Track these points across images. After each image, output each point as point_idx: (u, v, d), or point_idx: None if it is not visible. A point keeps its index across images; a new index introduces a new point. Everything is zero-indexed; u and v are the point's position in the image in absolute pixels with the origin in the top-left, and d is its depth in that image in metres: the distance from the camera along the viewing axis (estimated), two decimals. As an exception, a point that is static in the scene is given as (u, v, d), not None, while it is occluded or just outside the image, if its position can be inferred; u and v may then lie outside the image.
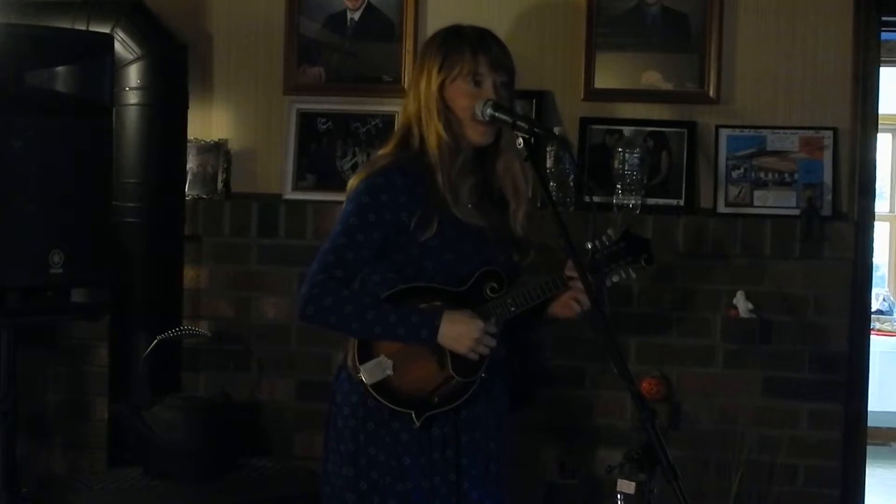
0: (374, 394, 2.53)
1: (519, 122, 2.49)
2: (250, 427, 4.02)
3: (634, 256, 2.65)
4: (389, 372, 2.54)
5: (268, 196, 4.11)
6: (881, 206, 7.20)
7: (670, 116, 4.00)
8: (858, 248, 3.90)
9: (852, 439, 3.92)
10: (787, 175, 3.93)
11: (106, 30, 3.79)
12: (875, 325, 6.79)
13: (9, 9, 3.84)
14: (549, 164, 3.91)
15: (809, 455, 3.90)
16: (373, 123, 4.08)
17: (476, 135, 2.58)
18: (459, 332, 2.50)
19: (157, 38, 3.95)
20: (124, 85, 3.86)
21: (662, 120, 4.00)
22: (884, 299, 7.73)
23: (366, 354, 2.55)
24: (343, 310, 2.52)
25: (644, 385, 3.80)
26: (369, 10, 4.10)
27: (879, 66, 3.95)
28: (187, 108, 4.04)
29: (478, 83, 2.57)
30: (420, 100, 2.59)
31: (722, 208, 3.95)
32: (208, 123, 4.16)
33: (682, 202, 3.95)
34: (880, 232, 6.91)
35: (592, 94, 4.01)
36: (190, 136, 4.07)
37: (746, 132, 3.96)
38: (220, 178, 4.12)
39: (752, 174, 3.95)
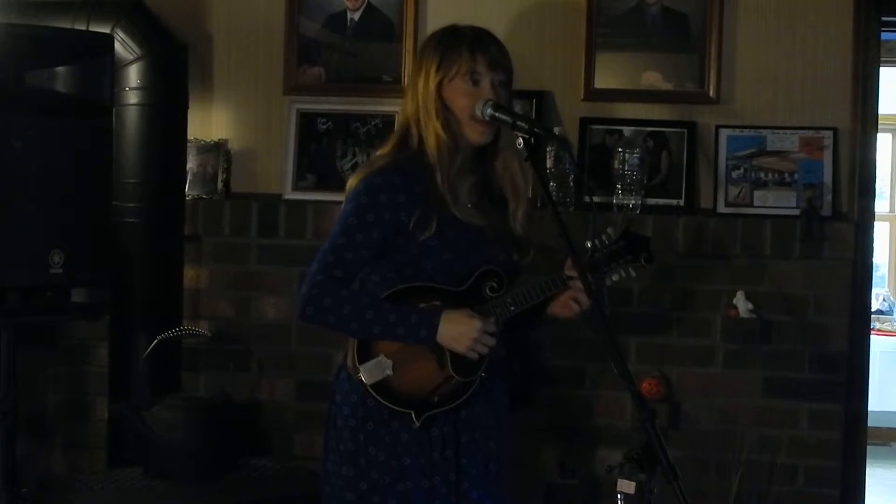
0: (374, 394, 2.53)
1: (519, 122, 2.49)
2: (250, 427, 4.02)
3: (634, 255, 2.65)
4: (389, 372, 2.54)
5: (268, 196, 4.11)
6: (881, 206, 7.20)
7: (670, 116, 4.00)
8: (858, 248, 3.90)
9: (852, 439, 3.92)
10: (787, 175, 3.93)
11: (106, 30, 3.79)
12: (875, 325, 6.78)
13: (9, 9, 3.84)
14: (549, 164, 3.91)
15: (809, 455, 3.90)
16: (373, 123, 4.08)
17: (475, 134, 2.58)
18: (458, 332, 2.50)
19: (157, 38, 3.95)
20: (124, 85, 3.86)
21: (662, 120, 4.00)
22: (884, 299, 7.73)
23: (365, 354, 2.55)
24: (342, 310, 2.52)
25: (644, 385, 3.80)
26: (369, 10, 4.10)
27: (879, 66, 3.95)
28: (187, 108, 4.04)
29: (476, 82, 2.57)
30: (418, 100, 2.59)
31: (722, 208, 3.95)
32: (208, 123, 4.16)
33: (682, 202, 3.95)
34: (880, 232, 6.92)
35: (592, 94, 4.01)
36: (190, 136, 4.07)
37: (746, 132, 3.96)
38: (220, 178, 4.12)
39: (752, 174, 3.95)
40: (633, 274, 2.67)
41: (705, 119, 3.98)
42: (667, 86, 4.00)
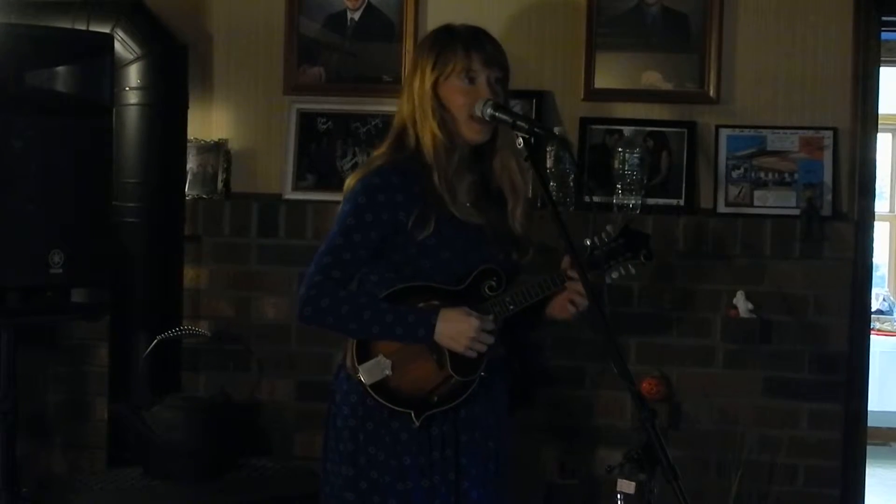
0: (374, 394, 2.53)
1: (519, 122, 2.49)
2: (250, 427, 4.02)
3: (634, 252, 2.65)
4: (388, 372, 2.54)
5: (268, 196, 4.11)
6: (881, 206, 7.20)
7: (670, 116, 4.00)
8: (858, 248, 3.90)
9: (852, 439, 3.92)
10: (787, 175, 3.94)
11: (106, 30, 3.79)
12: (875, 325, 6.78)
13: (9, 9, 3.84)
14: (549, 164, 3.91)
15: (809, 455, 3.90)
16: (373, 123, 4.08)
17: (472, 132, 2.58)
18: (456, 331, 2.50)
19: (157, 38, 3.95)
20: (124, 85, 3.86)
21: (662, 120, 4.00)
22: (884, 299, 7.72)
23: (364, 354, 2.55)
24: (340, 310, 2.52)
25: (644, 385, 3.80)
26: (369, 10, 4.10)
27: (879, 66, 3.95)
28: (187, 108, 4.04)
29: (472, 80, 2.56)
30: (414, 99, 2.59)
31: (722, 208, 3.95)
32: (208, 123, 4.16)
33: (682, 202, 3.95)
34: (880, 232, 6.91)
35: (592, 94, 4.01)
36: (190, 136, 4.07)
37: (746, 132, 3.96)
38: (220, 178, 4.12)
39: (752, 174, 3.95)
40: (632, 271, 2.67)
41: (705, 119, 3.98)
42: (667, 86, 4.00)
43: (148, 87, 3.88)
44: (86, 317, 3.77)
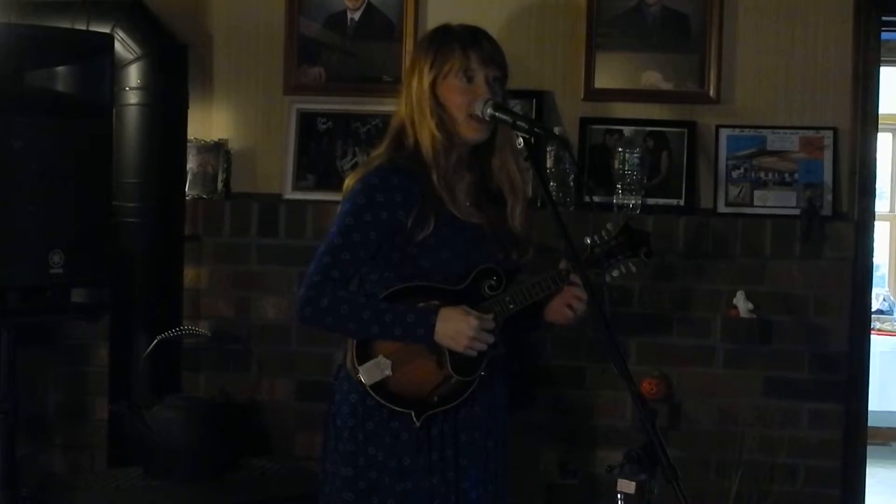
0: (374, 394, 2.53)
1: (519, 122, 2.49)
2: (250, 427, 4.02)
3: (634, 250, 2.65)
4: (388, 372, 2.53)
5: (268, 196, 4.11)
6: (881, 206, 7.20)
7: (670, 116, 4.00)
8: (858, 248, 3.90)
9: (852, 439, 3.92)
10: (787, 175, 3.94)
11: (106, 30, 3.79)
12: (875, 325, 6.78)
13: (9, 9, 3.84)
14: (549, 164, 3.91)
15: (809, 455, 3.90)
16: (373, 123, 4.08)
17: (470, 132, 2.57)
18: (455, 330, 2.49)
19: (157, 38, 3.95)
20: (124, 85, 3.86)
21: (662, 120, 4.00)
22: (884, 299, 7.72)
23: (364, 355, 2.54)
24: (339, 310, 2.51)
25: (644, 385, 3.80)
26: (369, 10, 4.10)
27: (879, 66, 3.95)
28: (187, 108, 4.05)
29: (470, 79, 2.56)
30: (412, 100, 2.58)
31: (722, 208, 3.95)
32: (208, 123, 4.16)
33: (682, 202, 3.95)
34: (880, 232, 6.90)
35: (592, 94, 4.01)
36: (190, 136, 4.07)
37: (746, 132, 3.96)
38: (220, 178, 4.12)
39: (752, 174, 3.95)
40: (633, 269, 2.67)
41: (705, 119, 3.98)
42: (667, 86, 4.00)
43: (148, 87, 3.88)
44: (86, 317, 3.76)
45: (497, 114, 2.52)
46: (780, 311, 3.89)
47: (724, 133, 3.96)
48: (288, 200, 4.09)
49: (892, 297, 7.88)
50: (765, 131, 3.95)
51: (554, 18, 4.03)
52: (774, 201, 3.93)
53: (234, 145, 4.16)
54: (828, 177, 3.91)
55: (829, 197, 3.89)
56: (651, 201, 3.93)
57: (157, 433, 3.61)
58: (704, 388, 3.93)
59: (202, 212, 4.08)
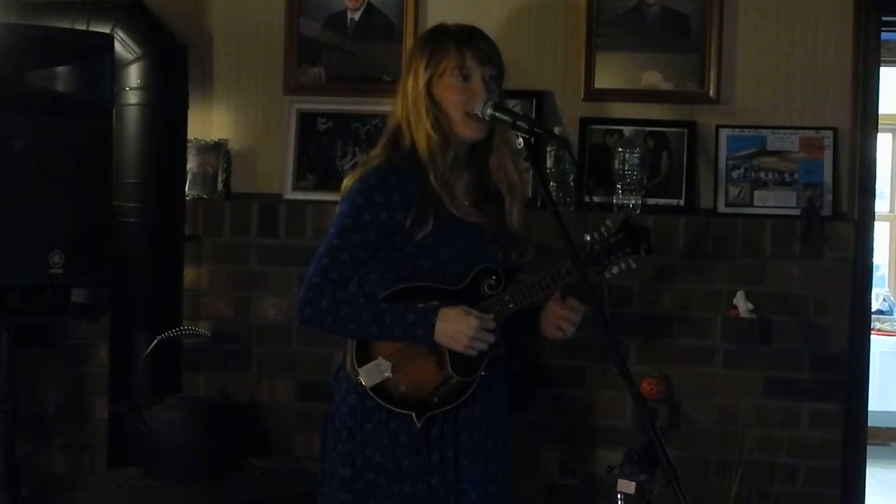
0: (374, 395, 2.53)
1: (519, 122, 2.48)
2: (250, 427, 4.02)
3: (634, 246, 2.64)
4: (388, 374, 2.53)
5: (268, 196, 4.11)
6: (881, 206, 7.19)
7: (670, 116, 4.00)
8: (858, 248, 3.90)
9: (852, 439, 3.92)
10: (787, 175, 3.94)
11: (106, 30, 3.79)
12: (875, 325, 6.78)
13: (9, 9, 3.84)
14: (549, 164, 3.91)
15: (809, 455, 3.90)
16: (373, 123, 4.08)
17: (468, 130, 2.56)
18: (455, 330, 2.49)
19: (157, 38, 3.95)
20: (124, 85, 3.86)
21: (662, 120, 4.00)
22: (884, 299, 7.72)
23: (364, 356, 2.54)
24: (339, 311, 2.51)
25: (644, 385, 3.80)
26: (369, 10, 4.10)
27: (879, 66, 3.95)
28: (187, 108, 4.05)
29: (466, 77, 2.55)
30: (408, 100, 2.58)
31: (722, 208, 3.95)
32: (208, 123, 4.16)
33: (682, 202, 3.95)
34: (880, 232, 6.91)
35: (592, 94, 4.01)
36: (190, 136, 4.07)
37: (746, 132, 3.96)
38: (220, 178, 4.12)
39: (752, 174, 3.95)
40: (633, 265, 2.65)
41: (705, 119, 3.98)
42: (667, 86, 4.00)
43: (148, 87, 3.88)
44: (86, 317, 3.76)
45: (497, 114, 2.51)
46: (780, 311, 3.89)
47: (724, 133, 3.96)
48: (288, 200, 4.09)
49: (892, 297, 7.88)
50: (765, 131, 3.95)
51: (554, 18, 4.03)
52: (774, 201, 3.93)
53: (234, 145, 4.16)
54: (828, 177, 3.91)
55: (829, 197, 3.89)
56: (651, 201, 3.93)
57: (157, 433, 3.61)
58: (704, 388, 3.93)
59: (202, 212, 4.08)
